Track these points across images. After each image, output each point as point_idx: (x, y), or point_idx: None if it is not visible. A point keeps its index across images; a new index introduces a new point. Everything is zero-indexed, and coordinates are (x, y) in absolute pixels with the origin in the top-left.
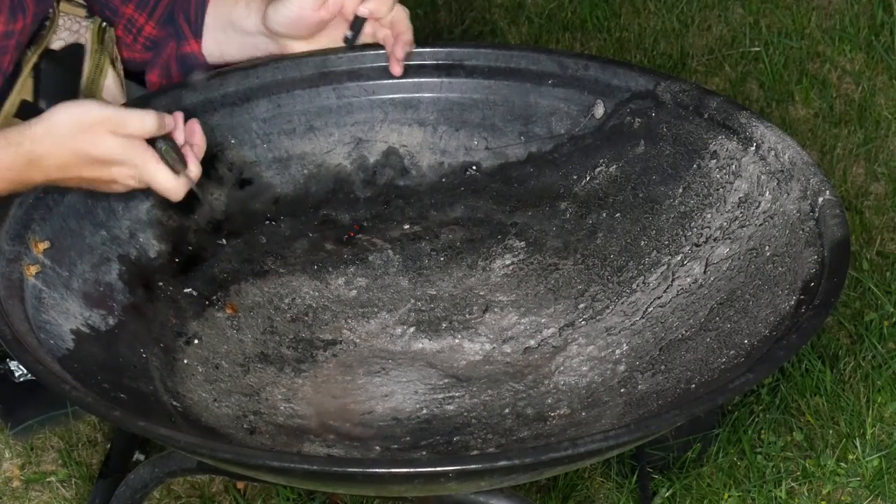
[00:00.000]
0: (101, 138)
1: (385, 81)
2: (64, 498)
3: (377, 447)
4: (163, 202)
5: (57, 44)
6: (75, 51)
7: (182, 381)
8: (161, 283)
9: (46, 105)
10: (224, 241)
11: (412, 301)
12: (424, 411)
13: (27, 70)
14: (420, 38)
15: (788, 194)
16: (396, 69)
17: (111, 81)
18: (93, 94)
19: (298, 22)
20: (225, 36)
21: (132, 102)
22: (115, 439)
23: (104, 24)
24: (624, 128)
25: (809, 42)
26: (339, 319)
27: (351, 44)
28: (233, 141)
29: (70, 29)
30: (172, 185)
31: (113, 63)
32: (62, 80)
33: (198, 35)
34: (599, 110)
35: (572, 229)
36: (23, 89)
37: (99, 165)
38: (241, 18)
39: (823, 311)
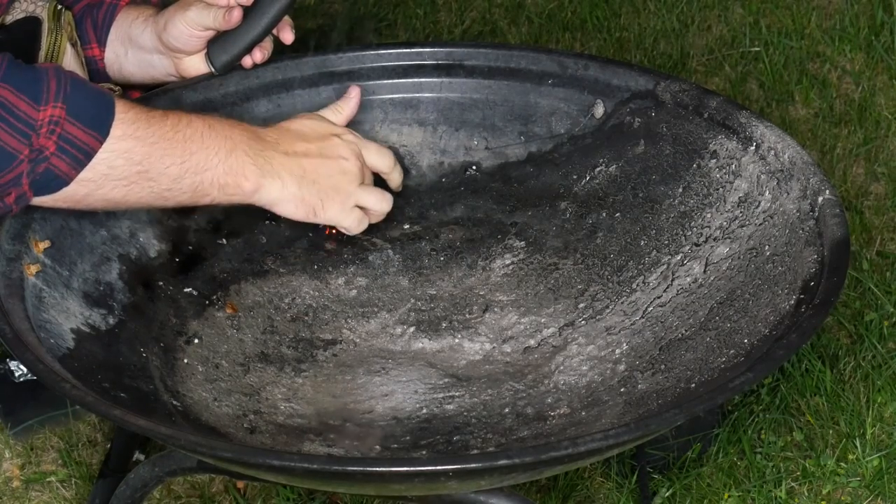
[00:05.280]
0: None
1: (385, 81)
2: (64, 498)
3: (377, 446)
4: None
5: (11, 19)
6: (31, 22)
7: (182, 381)
8: (161, 283)
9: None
10: (224, 240)
11: (412, 301)
12: (424, 411)
13: None
14: (420, 38)
15: (788, 194)
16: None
17: (71, 60)
18: None
19: (190, 38)
20: (124, 50)
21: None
22: (115, 439)
23: (59, 6)
24: (624, 127)
25: (809, 42)
26: (339, 319)
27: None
28: None
29: (26, 10)
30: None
31: (74, 45)
32: (18, 49)
33: (101, 43)
34: (599, 110)
35: (572, 229)
36: None
37: (325, 135)
38: (138, 34)
39: (823, 310)
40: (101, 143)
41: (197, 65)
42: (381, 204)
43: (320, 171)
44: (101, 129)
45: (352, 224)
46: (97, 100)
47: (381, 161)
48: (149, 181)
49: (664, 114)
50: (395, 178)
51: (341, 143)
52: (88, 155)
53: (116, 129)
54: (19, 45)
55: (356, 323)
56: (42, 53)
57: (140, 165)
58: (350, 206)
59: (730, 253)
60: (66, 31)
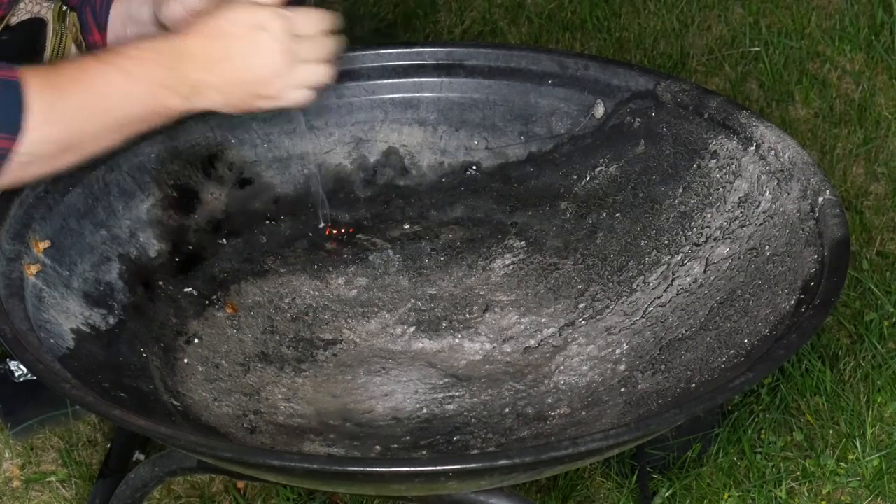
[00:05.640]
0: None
1: (385, 81)
2: (64, 498)
3: (377, 446)
4: (163, 201)
5: (16, 20)
6: (36, 22)
7: (182, 381)
8: (161, 283)
9: None
10: (224, 240)
11: (412, 301)
12: (424, 411)
13: None
14: (420, 38)
15: (788, 194)
16: None
17: None
18: None
19: (185, 20)
20: (124, 30)
21: None
22: (115, 439)
23: (65, 7)
24: (624, 128)
25: (809, 42)
26: (339, 319)
27: None
28: (233, 140)
29: (31, 11)
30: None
31: (79, 46)
32: (22, 49)
33: (101, 28)
34: (599, 110)
35: (572, 229)
36: None
37: (249, 29)
38: (136, 9)
39: (823, 310)
40: (15, 140)
41: None
42: (318, 78)
43: (244, 76)
44: (12, 127)
45: (294, 103)
46: (5, 97)
47: (314, 27)
48: (74, 149)
49: (664, 114)
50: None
51: (266, 38)
52: (3, 157)
53: (30, 121)
54: (23, 46)
55: (356, 323)
56: (47, 54)
57: (60, 143)
58: (284, 97)
59: (730, 253)
60: (72, 32)
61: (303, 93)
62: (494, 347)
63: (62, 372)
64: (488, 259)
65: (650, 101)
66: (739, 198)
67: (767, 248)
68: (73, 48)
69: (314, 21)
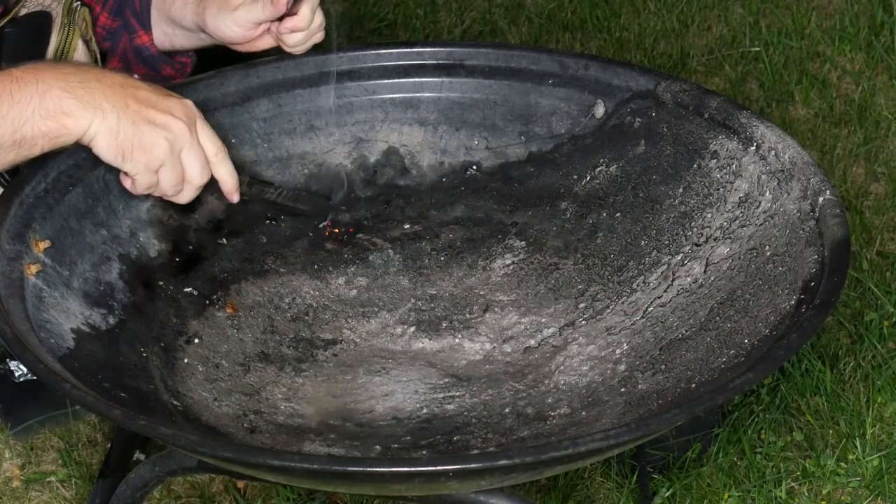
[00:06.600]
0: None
1: (385, 81)
2: (64, 498)
3: (377, 446)
4: (164, 201)
5: (25, 12)
6: (41, 16)
7: (182, 381)
8: (161, 283)
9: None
10: (224, 240)
11: (412, 300)
12: (425, 411)
13: None
14: (420, 38)
15: (789, 194)
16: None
17: (82, 57)
18: None
19: (234, 41)
20: (171, 29)
21: None
22: (115, 439)
23: (76, 3)
24: (624, 127)
25: (809, 42)
26: (339, 319)
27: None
28: (233, 140)
29: (42, 4)
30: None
31: (87, 42)
32: (26, 42)
33: (146, 28)
34: (600, 110)
35: (572, 229)
36: None
37: (157, 91)
38: (179, 16)
39: (823, 310)
40: None
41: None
42: (193, 173)
43: (143, 115)
44: None
45: (141, 185)
46: None
47: (210, 143)
48: None
49: (665, 114)
50: (219, 171)
51: (178, 104)
52: None
53: None
54: (26, 39)
55: (356, 323)
56: (51, 48)
57: None
58: (154, 168)
59: (730, 253)
60: (80, 27)
61: (150, 182)
62: (494, 347)
63: (62, 372)
64: (488, 259)
65: (650, 101)
66: (740, 198)
67: (768, 248)
68: (80, 44)
69: (213, 141)
